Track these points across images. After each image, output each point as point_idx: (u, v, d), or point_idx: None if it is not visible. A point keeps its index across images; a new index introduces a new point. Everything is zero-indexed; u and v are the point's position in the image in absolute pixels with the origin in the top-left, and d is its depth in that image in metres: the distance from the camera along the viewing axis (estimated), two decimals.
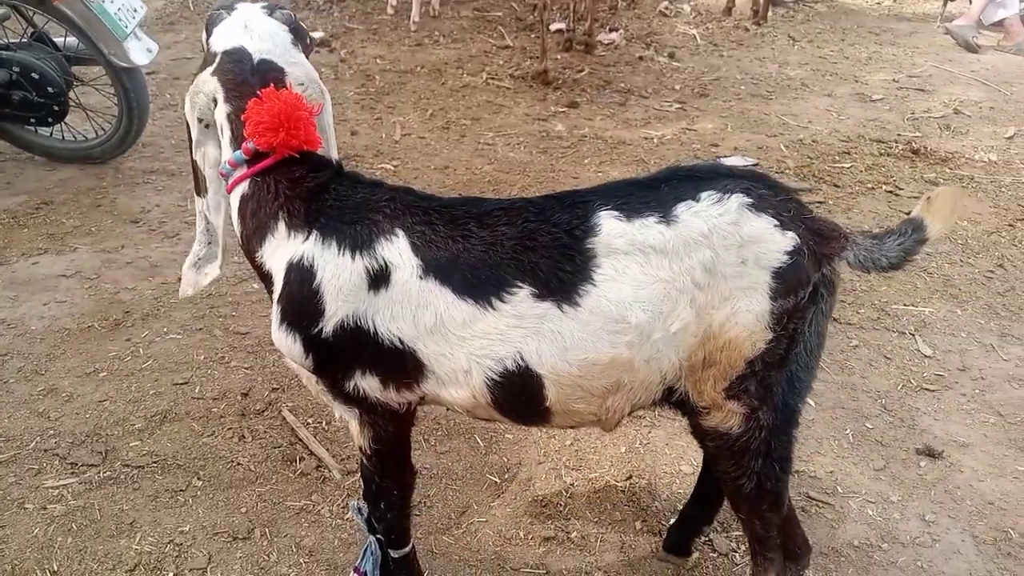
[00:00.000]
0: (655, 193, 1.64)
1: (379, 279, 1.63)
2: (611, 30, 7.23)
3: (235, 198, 1.75)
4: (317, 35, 7.09)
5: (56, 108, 4.24)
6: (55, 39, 4.33)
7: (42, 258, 3.70)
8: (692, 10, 8.29)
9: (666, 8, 8.20)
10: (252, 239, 1.73)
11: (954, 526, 2.48)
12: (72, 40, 4.24)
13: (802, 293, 1.64)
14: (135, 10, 4.20)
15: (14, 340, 3.13)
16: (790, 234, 1.62)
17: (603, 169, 4.82)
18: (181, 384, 2.93)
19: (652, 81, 6.39)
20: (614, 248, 1.59)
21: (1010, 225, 4.28)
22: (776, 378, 1.70)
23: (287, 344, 1.70)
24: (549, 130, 5.38)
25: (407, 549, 2.04)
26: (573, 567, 2.30)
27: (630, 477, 2.63)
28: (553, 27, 7.25)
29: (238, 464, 2.59)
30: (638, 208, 1.62)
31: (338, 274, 1.63)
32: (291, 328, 1.68)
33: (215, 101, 1.74)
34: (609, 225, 1.60)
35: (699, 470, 2.53)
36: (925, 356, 3.26)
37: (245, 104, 1.69)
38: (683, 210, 1.60)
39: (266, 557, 2.28)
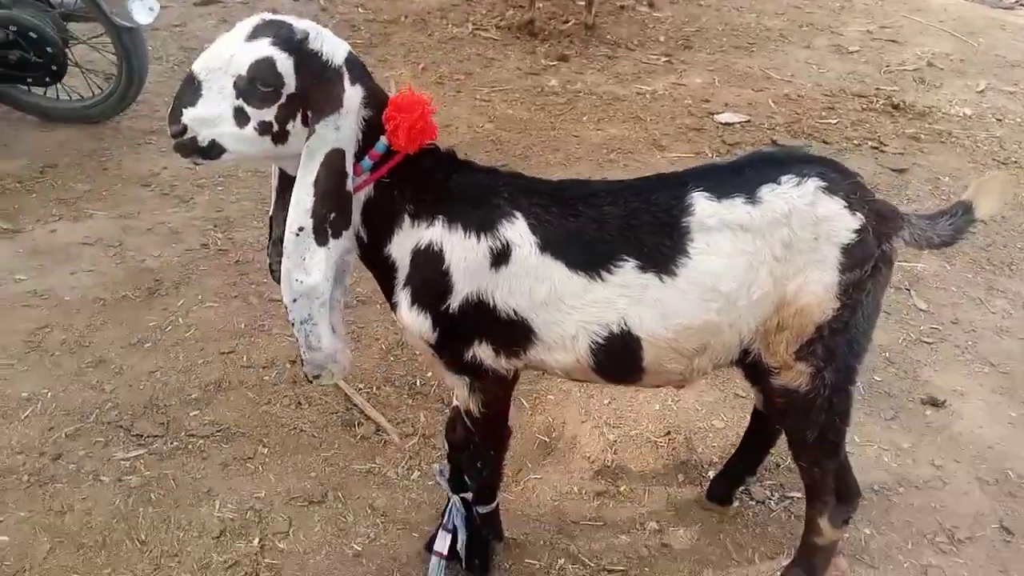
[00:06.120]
0: (741, 176, 1.82)
1: (500, 257, 1.78)
2: None
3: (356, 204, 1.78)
4: None
5: (54, 68, 4.15)
6: None
7: (59, 225, 3.69)
8: None
9: None
10: (380, 236, 1.83)
11: (960, 469, 2.73)
12: None
13: (866, 267, 1.82)
14: None
15: (51, 312, 3.16)
16: (858, 214, 1.80)
17: (602, 127, 4.92)
18: (228, 353, 3.01)
19: (637, 32, 6.45)
20: (707, 226, 1.77)
21: None
22: (839, 342, 1.88)
23: (418, 323, 1.83)
24: (543, 85, 5.44)
25: (494, 505, 2.22)
26: (627, 518, 2.50)
27: (668, 433, 2.82)
28: None
29: (300, 431, 2.71)
30: (727, 190, 1.79)
31: (465, 255, 1.77)
32: (422, 308, 1.82)
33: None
34: (702, 205, 1.78)
35: (731, 424, 2.74)
36: (921, 310, 3.49)
37: (377, 109, 1.75)
38: (766, 192, 1.78)
39: (343, 519, 2.43)
